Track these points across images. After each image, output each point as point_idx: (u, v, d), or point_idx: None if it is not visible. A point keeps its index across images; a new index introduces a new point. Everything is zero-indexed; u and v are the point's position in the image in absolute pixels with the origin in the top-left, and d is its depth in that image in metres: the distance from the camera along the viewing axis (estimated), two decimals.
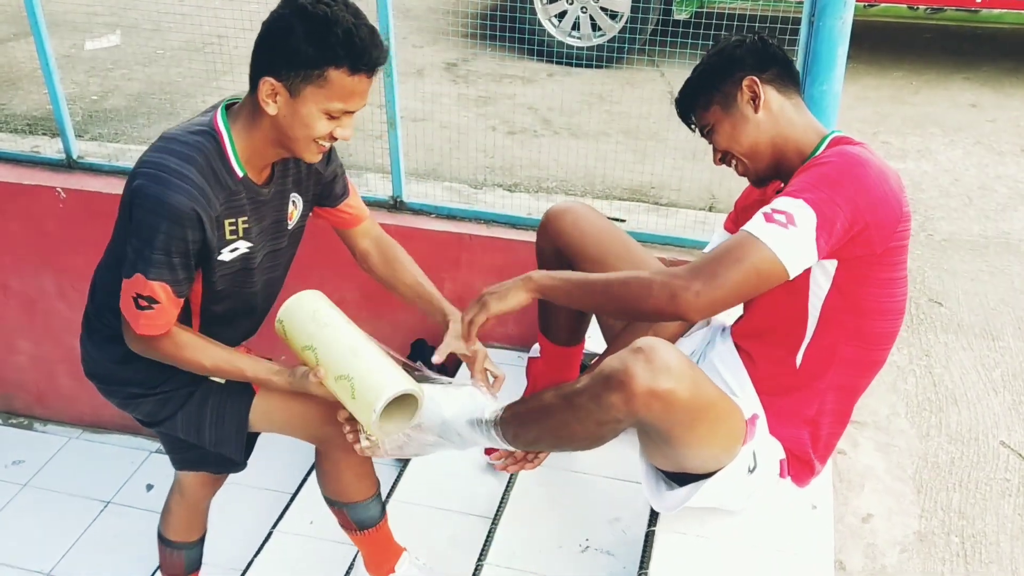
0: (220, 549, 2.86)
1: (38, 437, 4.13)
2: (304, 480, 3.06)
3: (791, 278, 1.65)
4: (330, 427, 2.02)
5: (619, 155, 3.64)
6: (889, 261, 1.73)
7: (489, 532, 2.34)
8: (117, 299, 1.80)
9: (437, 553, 2.42)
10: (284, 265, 2.07)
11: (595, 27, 4.69)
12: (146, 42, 4.94)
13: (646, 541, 2.03)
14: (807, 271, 1.72)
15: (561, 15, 4.71)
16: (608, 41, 4.64)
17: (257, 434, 2.16)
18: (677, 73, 4.45)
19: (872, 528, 2.09)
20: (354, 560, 2.48)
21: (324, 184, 2.02)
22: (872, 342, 1.83)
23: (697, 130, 1.96)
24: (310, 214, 2.06)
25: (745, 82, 1.84)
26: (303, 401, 2.01)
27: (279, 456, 3.23)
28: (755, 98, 1.84)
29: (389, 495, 2.67)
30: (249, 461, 3.37)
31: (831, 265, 1.73)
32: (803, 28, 2.65)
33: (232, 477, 3.35)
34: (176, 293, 1.77)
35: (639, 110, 4.12)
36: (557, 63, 4.66)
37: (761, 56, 1.87)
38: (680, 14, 4.43)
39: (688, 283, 1.66)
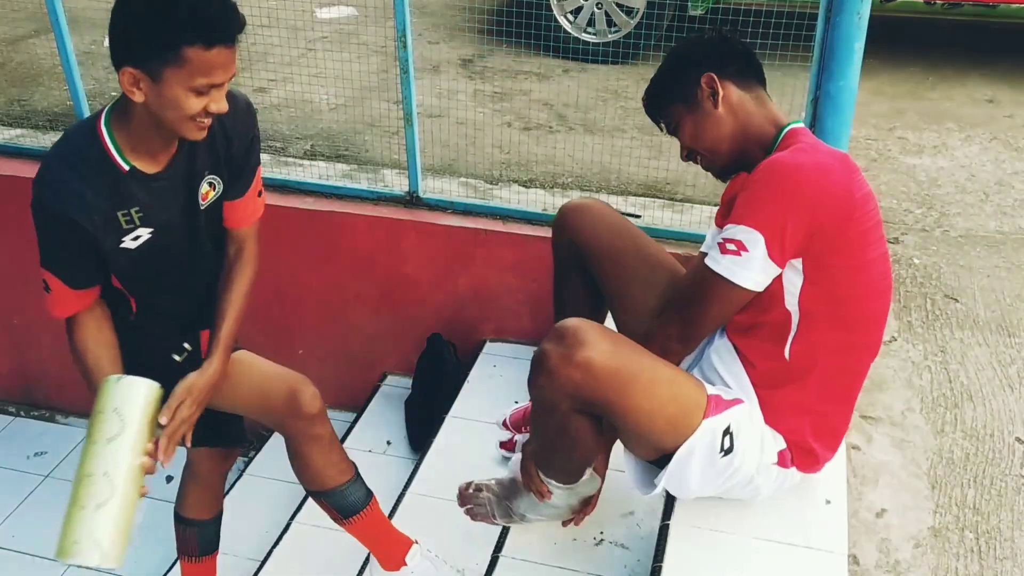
0: (239, 540, 2.90)
1: (60, 429, 4.18)
2: None
3: (760, 291, 1.77)
4: (289, 415, 2.05)
5: (634, 151, 3.65)
6: (854, 247, 1.76)
7: (505, 525, 2.35)
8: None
9: (453, 546, 2.45)
10: (212, 240, 2.00)
11: (610, 23, 4.70)
12: None
13: (660, 534, 2.04)
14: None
15: (576, 11, 4.72)
16: (623, 37, 4.64)
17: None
18: None
19: (886, 523, 2.10)
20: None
21: (240, 172, 1.96)
22: (858, 326, 1.85)
23: (664, 128, 2.01)
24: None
25: (704, 79, 1.88)
26: (255, 389, 2.06)
27: None
28: (714, 94, 1.88)
29: (405, 489, 2.70)
30: (267, 453, 3.43)
31: (798, 262, 1.77)
32: (819, 24, 2.65)
33: (251, 469, 3.40)
34: (67, 283, 1.82)
35: None
36: (572, 59, 4.67)
37: (721, 52, 1.92)
38: (695, 10, 4.42)
39: (670, 332, 1.88)
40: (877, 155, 3.80)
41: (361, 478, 2.25)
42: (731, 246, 1.74)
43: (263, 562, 2.78)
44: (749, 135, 1.88)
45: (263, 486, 3.27)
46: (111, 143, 1.76)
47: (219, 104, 1.70)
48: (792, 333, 1.84)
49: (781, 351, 1.86)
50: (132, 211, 1.81)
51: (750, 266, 1.73)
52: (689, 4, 4.43)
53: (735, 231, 1.73)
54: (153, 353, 2.02)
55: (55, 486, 3.76)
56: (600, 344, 1.78)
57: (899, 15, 5.58)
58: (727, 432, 1.86)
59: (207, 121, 1.73)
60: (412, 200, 3.33)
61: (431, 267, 3.37)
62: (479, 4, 4.44)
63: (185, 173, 1.87)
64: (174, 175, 1.85)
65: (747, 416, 1.90)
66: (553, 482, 2.12)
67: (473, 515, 2.33)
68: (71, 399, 4.20)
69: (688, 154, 1.97)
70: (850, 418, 1.99)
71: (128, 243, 1.83)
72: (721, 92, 1.87)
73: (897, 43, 5.11)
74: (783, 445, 1.92)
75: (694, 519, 2.02)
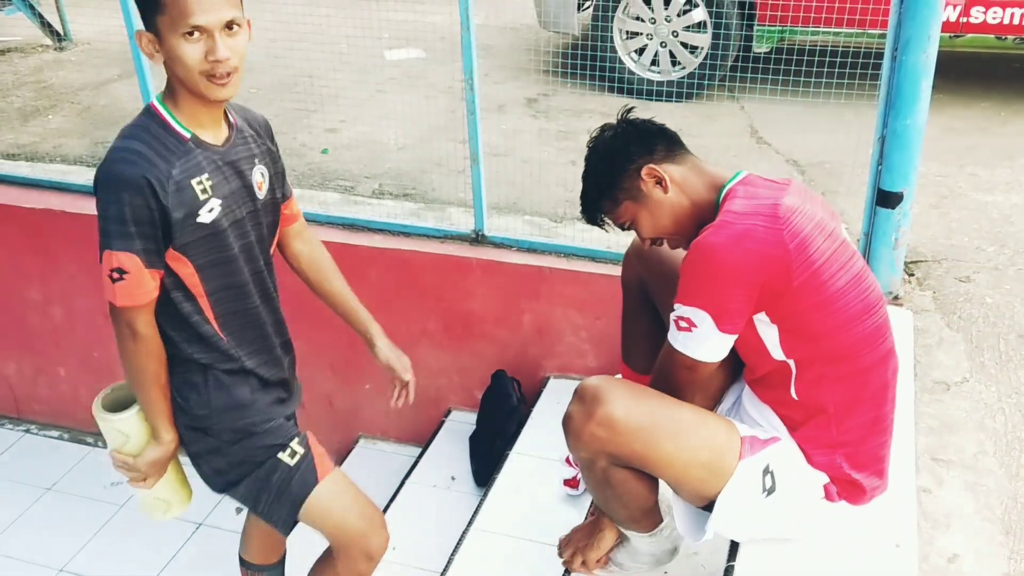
0: None
1: None
2: (388, 504, 3.12)
3: (718, 361, 1.82)
4: (359, 542, 2.09)
5: None
6: (812, 288, 1.75)
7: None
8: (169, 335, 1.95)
9: None
10: (269, 249, 2.09)
11: (674, 61, 4.73)
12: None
13: None
14: (752, 328, 1.81)
15: (641, 50, 4.76)
16: (688, 76, 4.67)
17: None
18: (757, 107, 4.47)
19: (958, 569, 2.05)
20: None
21: (279, 174, 2.10)
22: (851, 353, 1.83)
23: (615, 227, 2.03)
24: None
25: (644, 172, 1.90)
26: (363, 503, 2.12)
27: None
28: (660, 181, 1.90)
29: (469, 524, 2.72)
30: None
31: (763, 315, 1.78)
32: (885, 63, 2.65)
33: None
34: (145, 262, 1.82)
35: (719, 143, 4.13)
36: (637, 97, 4.70)
37: (641, 138, 1.95)
38: (760, 48, 4.44)
39: None
40: (948, 192, 3.74)
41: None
42: (683, 323, 1.79)
43: None
44: (700, 206, 1.90)
45: None
46: (168, 114, 1.86)
47: (215, 52, 1.75)
48: (793, 375, 1.85)
49: (788, 394, 1.87)
50: (203, 178, 1.88)
51: (704, 340, 1.78)
52: (754, 42, 4.44)
53: (681, 311, 1.79)
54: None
55: (131, 515, 3.86)
56: (620, 399, 1.83)
57: (969, 50, 5.50)
58: (767, 471, 1.86)
59: (221, 78, 1.79)
60: (477, 238, 3.38)
61: (496, 304, 3.41)
62: (544, 45, 4.52)
63: (239, 155, 1.96)
64: (229, 152, 1.94)
65: (786, 453, 1.89)
66: (635, 533, 2.13)
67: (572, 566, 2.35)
68: None
69: (653, 241, 2.00)
70: (889, 440, 1.96)
71: (204, 215, 1.88)
72: (666, 176, 1.89)
73: (967, 78, 5.04)
74: (827, 479, 1.91)
75: (760, 562, 2.00)
